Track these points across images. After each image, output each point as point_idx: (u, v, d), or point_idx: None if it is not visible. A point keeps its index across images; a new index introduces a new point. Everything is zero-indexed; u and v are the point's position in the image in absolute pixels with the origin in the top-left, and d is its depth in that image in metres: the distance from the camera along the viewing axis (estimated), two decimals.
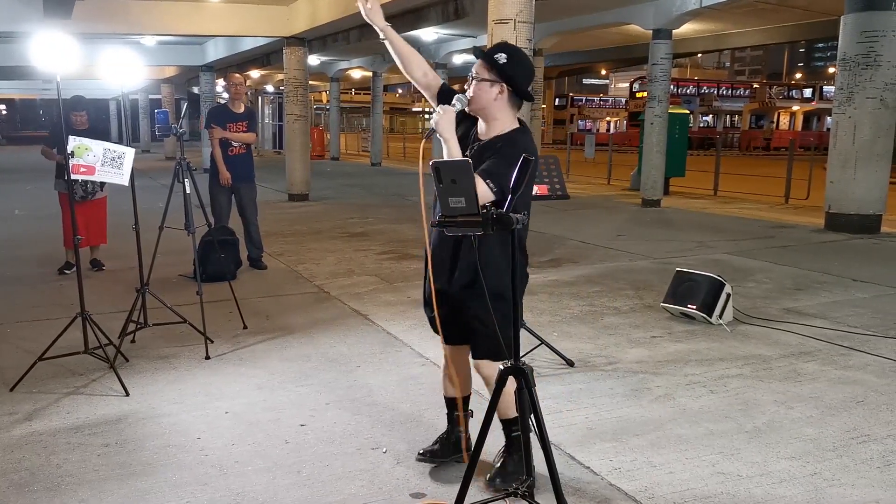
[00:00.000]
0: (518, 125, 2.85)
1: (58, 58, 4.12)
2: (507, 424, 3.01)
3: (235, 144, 7.17)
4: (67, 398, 4.03)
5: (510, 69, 2.77)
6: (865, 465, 3.23)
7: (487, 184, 2.58)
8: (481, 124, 2.88)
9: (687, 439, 3.49)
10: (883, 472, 3.16)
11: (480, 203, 2.30)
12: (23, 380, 4.17)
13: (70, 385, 4.22)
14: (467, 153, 2.76)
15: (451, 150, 2.66)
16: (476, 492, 2.92)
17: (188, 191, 4.94)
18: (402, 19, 12.44)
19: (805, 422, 3.69)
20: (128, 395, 4.04)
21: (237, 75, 7.38)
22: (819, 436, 3.53)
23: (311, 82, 17.53)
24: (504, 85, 2.77)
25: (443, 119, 2.67)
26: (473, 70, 2.82)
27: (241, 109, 7.24)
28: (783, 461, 3.26)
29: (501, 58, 2.76)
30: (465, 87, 2.85)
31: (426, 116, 63.02)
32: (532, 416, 2.29)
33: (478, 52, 2.87)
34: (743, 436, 3.53)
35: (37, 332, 5.14)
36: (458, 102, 2.78)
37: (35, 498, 2.97)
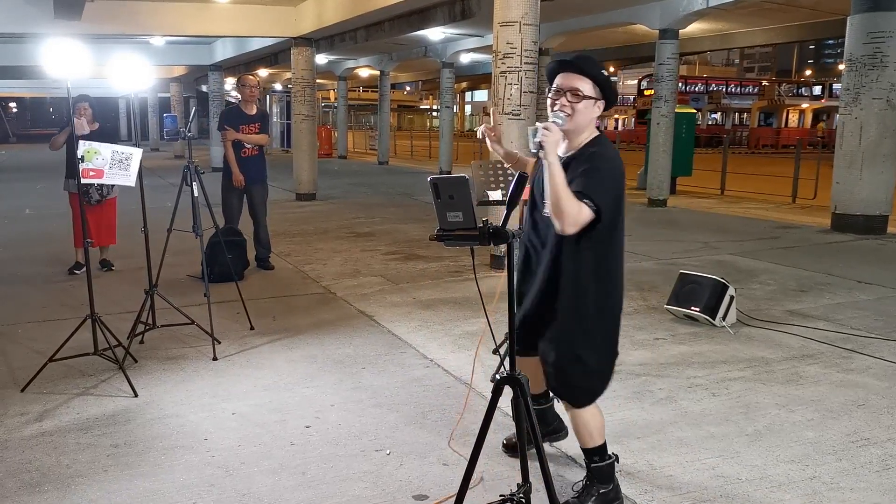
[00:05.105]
0: (597, 133, 2.68)
1: (68, 63, 4.19)
2: (588, 454, 2.92)
3: (248, 146, 7.21)
4: (77, 399, 4.10)
5: (609, 83, 2.63)
6: (864, 468, 3.26)
7: (585, 203, 2.45)
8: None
9: (688, 442, 3.52)
10: (881, 476, 3.19)
11: (581, 223, 2.45)
12: (34, 380, 4.24)
13: (80, 386, 4.29)
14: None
15: (554, 174, 2.41)
16: (476, 495, 2.98)
17: (195, 194, 4.99)
18: (409, 19, 12.45)
19: (805, 425, 3.72)
20: (136, 395, 4.10)
21: (250, 77, 7.39)
22: (819, 439, 3.56)
23: (318, 81, 17.59)
24: (603, 101, 2.63)
25: (550, 139, 2.41)
26: (564, 84, 2.60)
27: (254, 111, 7.27)
28: (783, 464, 3.29)
29: (603, 73, 2.61)
30: (555, 103, 2.62)
31: (433, 114, 62.91)
32: (528, 424, 2.32)
33: (570, 65, 2.61)
34: (743, 439, 3.56)
35: (47, 332, 5.22)
36: (558, 120, 2.55)
37: (45, 498, 3.04)
